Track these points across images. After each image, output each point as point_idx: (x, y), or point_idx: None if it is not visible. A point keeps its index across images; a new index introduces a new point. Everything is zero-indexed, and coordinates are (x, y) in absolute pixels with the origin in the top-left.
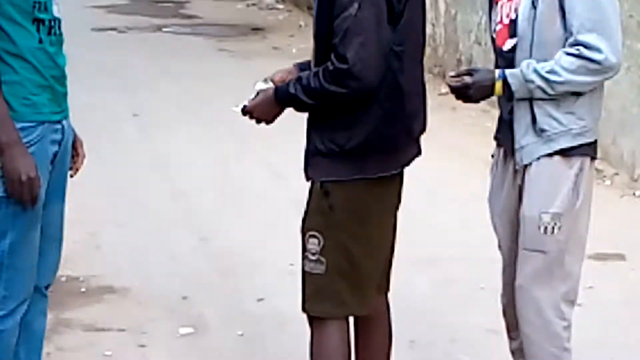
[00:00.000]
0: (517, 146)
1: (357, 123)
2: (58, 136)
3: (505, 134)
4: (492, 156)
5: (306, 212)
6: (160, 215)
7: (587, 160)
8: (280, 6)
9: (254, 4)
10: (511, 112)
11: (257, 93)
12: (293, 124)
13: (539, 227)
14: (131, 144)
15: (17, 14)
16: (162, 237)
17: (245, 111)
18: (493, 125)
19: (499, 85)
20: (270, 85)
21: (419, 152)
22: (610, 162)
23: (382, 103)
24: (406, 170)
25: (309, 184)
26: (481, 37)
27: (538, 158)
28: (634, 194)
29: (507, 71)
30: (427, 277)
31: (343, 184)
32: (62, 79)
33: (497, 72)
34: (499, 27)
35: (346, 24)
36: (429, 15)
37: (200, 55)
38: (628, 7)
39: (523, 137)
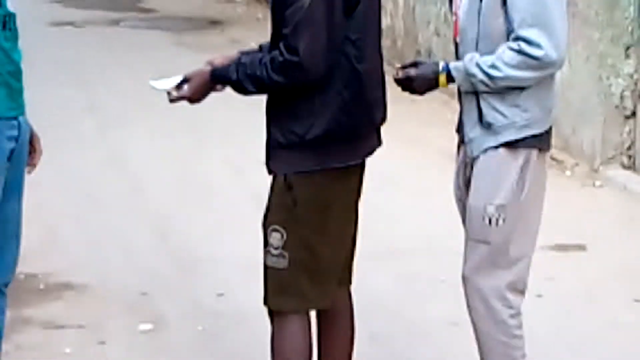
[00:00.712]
0: (466, 139)
1: (316, 112)
2: (14, 132)
3: (460, 126)
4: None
5: (268, 207)
6: (119, 210)
7: (534, 152)
8: None
9: None
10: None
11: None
12: (252, 119)
13: (484, 218)
14: (88, 140)
15: None
16: (120, 232)
17: (180, 98)
18: (453, 117)
19: (442, 78)
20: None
21: (379, 143)
22: (571, 153)
23: (340, 91)
24: (366, 162)
25: (268, 178)
26: (440, 29)
27: (485, 150)
28: (594, 184)
29: (451, 64)
30: (388, 270)
31: (306, 176)
32: (17, 74)
33: (441, 64)
34: (454, 18)
35: (298, 15)
36: (388, 6)
37: (158, 49)
38: None
39: (471, 130)
